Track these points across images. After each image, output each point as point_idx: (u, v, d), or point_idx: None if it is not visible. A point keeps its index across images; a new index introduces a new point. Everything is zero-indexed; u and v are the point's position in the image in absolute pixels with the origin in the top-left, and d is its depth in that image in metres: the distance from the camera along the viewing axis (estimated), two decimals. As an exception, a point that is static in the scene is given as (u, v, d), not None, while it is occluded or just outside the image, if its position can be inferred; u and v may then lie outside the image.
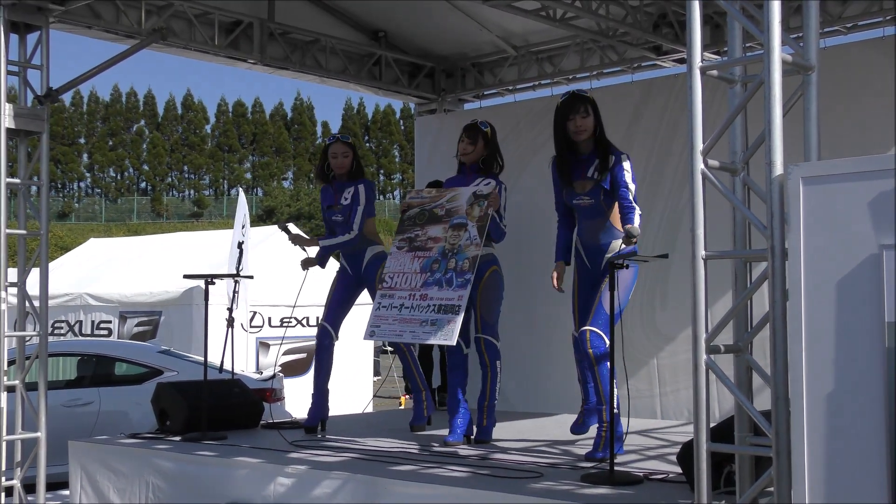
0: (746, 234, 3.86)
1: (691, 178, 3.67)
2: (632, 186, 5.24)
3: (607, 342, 5.14)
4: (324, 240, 6.32)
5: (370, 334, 5.77)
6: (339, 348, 12.91)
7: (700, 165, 3.68)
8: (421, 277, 5.67)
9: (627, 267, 4.97)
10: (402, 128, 58.20)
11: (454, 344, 5.44)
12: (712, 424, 3.67)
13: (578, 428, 5.66)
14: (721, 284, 4.70)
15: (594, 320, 5.22)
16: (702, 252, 3.64)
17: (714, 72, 3.82)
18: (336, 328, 6.24)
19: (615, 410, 4.95)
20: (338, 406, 11.88)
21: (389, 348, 14.24)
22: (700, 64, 3.74)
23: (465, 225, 5.64)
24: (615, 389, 4.97)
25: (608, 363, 5.02)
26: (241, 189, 11.17)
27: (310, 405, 6.28)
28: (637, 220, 5.15)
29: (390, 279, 5.82)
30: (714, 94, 6.82)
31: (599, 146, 5.34)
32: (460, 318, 5.40)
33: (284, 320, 12.54)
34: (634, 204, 5.22)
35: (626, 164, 5.27)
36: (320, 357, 6.20)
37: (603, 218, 5.38)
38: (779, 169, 3.48)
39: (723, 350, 3.71)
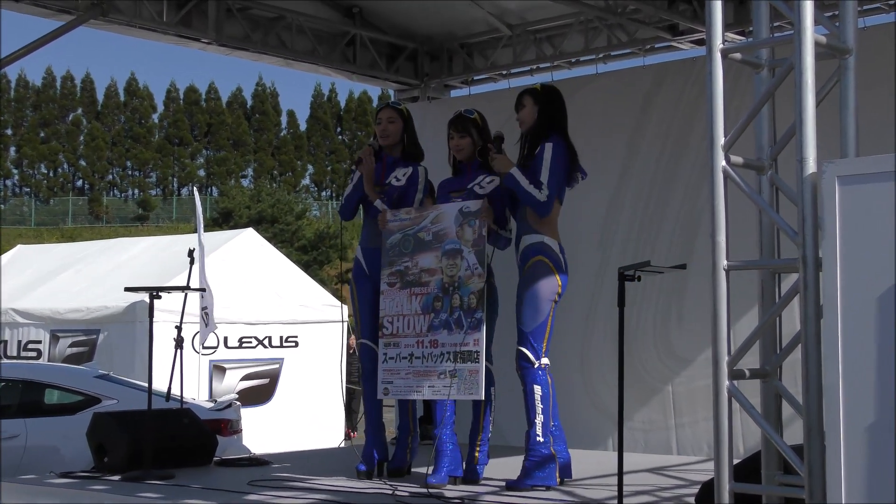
0: (774, 241, 3.87)
1: (711, 177, 3.68)
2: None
3: (535, 362, 5.50)
4: (382, 201, 6.02)
5: (384, 392, 5.79)
6: (305, 372, 12.91)
7: (721, 162, 3.69)
8: (425, 320, 5.69)
9: (639, 279, 4.99)
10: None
11: (482, 398, 5.53)
12: (736, 461, 3.67)
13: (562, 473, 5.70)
14: (745, 299, 4.70)
15: (519, 338, 5.56)
16: (723, 262, 3.65)
17: (737, 55, 3.83)
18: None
19: (540, 438, 5.50)
20: (307, 440, 11.90)
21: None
22: (721, 46, 3.75)
23: (459, 251, 5.64)
24: (541, 415, 5.50)
25: (534, 385, 5.49)
26: (194, 188, 11.13)
27: (364, 444, 6.18)
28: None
29: (390, 324, 5.83)
30: (737, 81, 6.86)
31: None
32: (482, 367, 5.48)
33: (243, 340, 12.50)
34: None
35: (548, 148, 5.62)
36: (368, 383, 6.08)
37: (525, 207, 5.68)
38: (811, 166, 3.49)
39: (748, 375, 3.71)
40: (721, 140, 3.71)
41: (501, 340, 5.82)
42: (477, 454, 5.82)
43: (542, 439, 5.57)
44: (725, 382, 3.62)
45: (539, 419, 5.54)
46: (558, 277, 5.60)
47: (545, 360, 5.58)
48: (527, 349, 5.53)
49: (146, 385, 6.67)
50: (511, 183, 5.59)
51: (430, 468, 5.72)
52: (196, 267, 8.38)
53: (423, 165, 6.18)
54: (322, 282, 27.07)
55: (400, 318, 5.80)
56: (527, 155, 5.70)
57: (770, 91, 3.79)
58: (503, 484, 5.69)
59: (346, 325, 13.55)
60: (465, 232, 5.65)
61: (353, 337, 14.09)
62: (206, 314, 8.98)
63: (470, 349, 5.49)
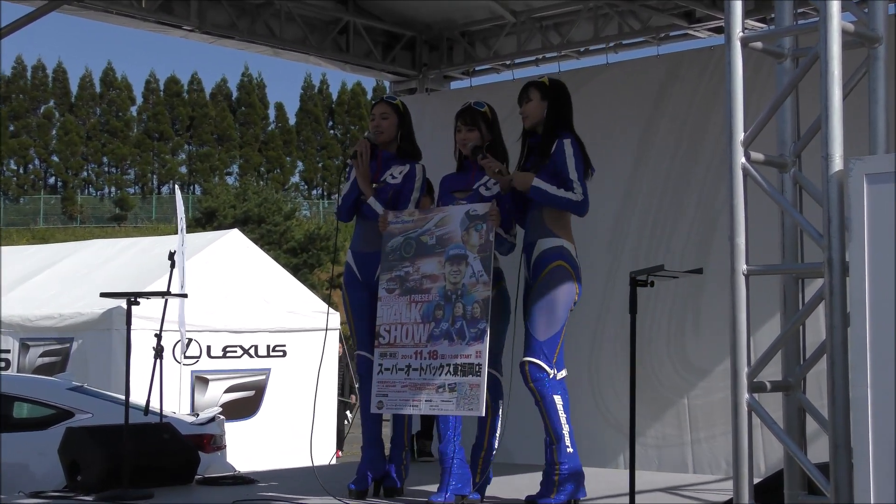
0: (798, 243, 3.87)
1: (730, 175, 3.68)
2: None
3: (550, 372, 5.51)
4: (376, 199, 6.00)
5: (378, 406, 5.77)
6: (294, 384, 12.90)
7: (740, 159, 3.68)
8: (425, 329, 5.67)
9: (652, 284, 4.99)
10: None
11: (483, 415, 5.51)
12: (756, 480, 3.67)
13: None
14: (767, 306, 4.71)
15: (531, 348, 5.56)
16: (742, 266, 3.64)
17: (758, 44, 3.83)
18: None
19: (569, 449, 5.50)
20: (295, 456, 11.88)
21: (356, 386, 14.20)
22: (741, 34, 3.75)
23: (464, 257, 5.63)
24: (567, 425, 5.49)
25: (554, 396, 5.49)
26: (176, 186, 11.11)
27: (359, 461, 6.16)
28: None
29: (387, 333, 5.81)
30: (758, 72, 6.86)
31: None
32: (484, 382, 5.45)
33: (227, 349, 12.50)
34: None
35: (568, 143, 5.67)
36: (365, 397, 6.07)
37: (539, 209, 5.71)
38: (838, 164, 3.49)
39: (769, 387, 3.71)
40: (740, 135, 3.70)
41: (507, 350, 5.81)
42: (479, 473, 5.81)
43: (571, 450, 5.59)
44: (745, 395, 3.61)
45: (566, 429, 5.56)
46: (576, 285, 5.62)
47: (564, 373, 5.58)
48: (540, 360, 5.53)
49: (123, 398, 6.66)
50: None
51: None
52: (177, 271, 8.38)
53: (420, 163, 6.18)
54: (312, 287, 27.09)
55: (398, 326, 5.78)
56: (540, 154, 5.69)
57: (793, 82, 3.79)
58: (517, 501, 5.67)
59: (338, 332, 13.58)
60: (471, 237, 5.63)
61: (340, 345, 14.09)
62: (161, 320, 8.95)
63: (471, 361, 5.48)
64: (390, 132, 6.15)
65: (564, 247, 5.63)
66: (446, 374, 5.55)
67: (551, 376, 5.53)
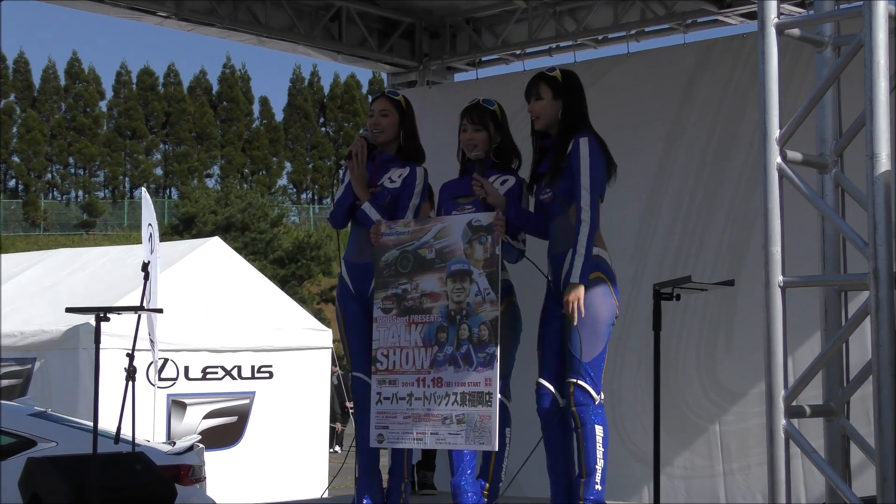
0: (840, 252, 3.88)
1: (764, 177, 3.69)
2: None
3: (596, 398, 5.49)
4: (371, 204, 6.00)
5: (378, 440, 5.76)
6: (281, 408, 12.89)
7: (776, 158, 3.69)
8: (427, 354, 5.63)
9: (678, 298, 4.99)
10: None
11: (496, 449, 5.49)
12: (794, 515, 3.67)
13: None
14: (806, 322, 4.70)
15: (576, 370, 5.53)
16: (778, 277, 3.65)
17: (795, 30, 3.84)
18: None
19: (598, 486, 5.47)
20: (283, 488, 11.87)
21: (350, 406, 14.12)
22: (776, 20, 3.76)
23: (468, 273, 5.59)
24: (602, 459, 5.45)
25: (596, 426, 5.46)
26: (143, 190, 11.07)
27: (354, 493, 6.16)
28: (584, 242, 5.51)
29: (385, 358, 5.76)
30: (796, 62, 6.87)
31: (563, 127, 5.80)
32: (496, 412, 5.42)
33: (207, 371, 12.50)
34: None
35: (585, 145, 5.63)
36: (361, 423, 6.07)
37: (565, 216, 5.67)
38: (884, 164, 3.49)
39: (808, 412, 3.71)
40: (776, 133, 3.71)
41: (515, 370, 5.81)
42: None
43: (600, 487, 5.58)
44: (782, 421, 3.61)
45: (601, 464, 5.55)
46: (616, 297, 5.63)
47: (602, 397, 5.59)
48: (586, 383, 5.51)
49: (90, 424, 6.66)
50: (588, 268, 5.50)
51: None
52: (150, 283, 8.38)
53: (422, 166, 6.17)
54: (302, 301, 27.11)
55: (397, 350, 5.75)
56: (555, 157, 5.69)
57: (835, 74, 3.79)
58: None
59: (330, 352, 13.59)
60: (475, 250, 5.59)
61: (335, 367, 14.08)
62: (152, 340, 8.97)
63: (480, 390, 5.45)
64: (390, 131, 6.12)
65: (601, 256, 5.61)
66: (453, 404, 5.52)
67: (596, 402, 5.54)
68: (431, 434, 5.57)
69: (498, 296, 5.49)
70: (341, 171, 6.23)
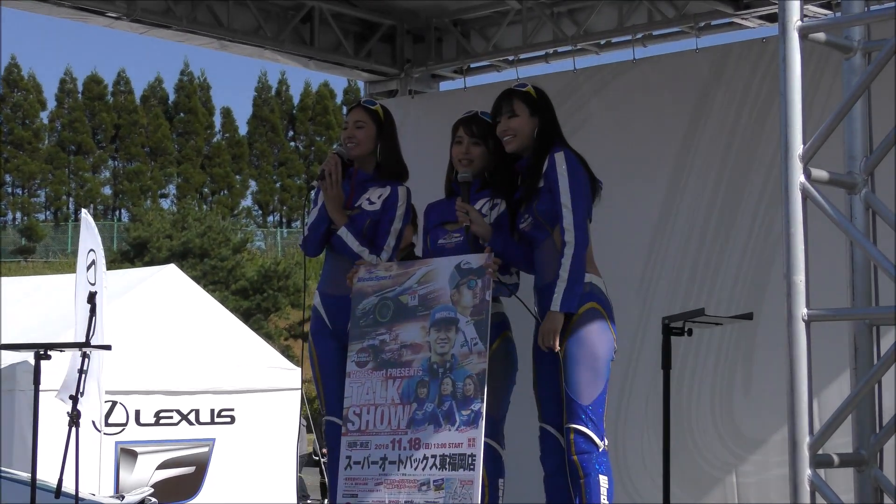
0: (871, 282, 3.89)
1: (785, 198, 3.70)
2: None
3: (600, 444, 5.48)
4: (348, 229, 5.99)
5: None
6: (244, 457, 12.85)
7: (799, 177, 3.71)
8: (404, 412, 5.61)
9: (690, 333, 5.00)
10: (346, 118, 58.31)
11: None
12: (821, 577, 3.67)
13: None
14: (834, 360, 4.71)
15: (576, 414, 5.50)
16: (802, 310, 3.66)
17: (821, 34, 3.86)
18: None
19: None
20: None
21: (322, 456, 14.07)
22: (799, 23, 3.79)
23: (454, 322, 5.57)
24: None
25: (600, 476, 5.43)
26: (85, 212, 10.99)
27: None
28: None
29: (357, 417, 5.74)
30: (822, 70, 6.91)
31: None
32: (479, 477, 5.38)
33: (161, 415, 12.45)
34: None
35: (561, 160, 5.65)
36: (334, 473, 6.04)
37: (549, 241, 5.67)
38: (919, 183, 3.52)
39: (836, 462, 3.71)
40: (799, 149, 3.73)
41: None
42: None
43: None
44: (807, 471, 3.62)
45: None
46: (613, 330, 5.64)
47: (606, 443, 5.59)
48: (588, 428, 5.51)
49: (28, 476, 6.64)
50: (572, 297, 5.52)
51: None
52: (98, 317, 8.37)
53: (405, 185, 6.17)
54: (268, 336, 27.04)
55: (371, 408, 5.71)
56: (531, 177, 5.69)
57: (865, 83, 3.81)
58: None
59: (300, 393, 13.54)
60: (462, 296, 5.56)
61: (303, 407, 14.01)
62: (83, 379, 8.87)
63: (463, 452, 5.42)
64: (366, 145, 6.10)
65: (595, 283, 5.61)
66: (431, 468, 5.48)
67: (600, 450, 5.54)
68: (406, 502, 5.52)
69: (487, 346, 5.45)
70: (313, 193, 6.21)
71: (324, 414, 6.08)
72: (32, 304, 13.60)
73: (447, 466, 5.45)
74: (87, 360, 7.83)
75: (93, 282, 9.93)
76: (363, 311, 5.81)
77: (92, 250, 10.35)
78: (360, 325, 5.81)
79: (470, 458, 5.39)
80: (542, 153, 5.69)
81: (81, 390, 7.75)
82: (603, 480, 5.54)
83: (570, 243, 5.50)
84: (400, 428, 5.60)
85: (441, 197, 6.10)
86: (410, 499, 5.50)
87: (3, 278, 16.61)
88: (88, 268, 10.32)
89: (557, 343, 5.49)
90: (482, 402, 5.40)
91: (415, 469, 5.52)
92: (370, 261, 5.94)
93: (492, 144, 5.88)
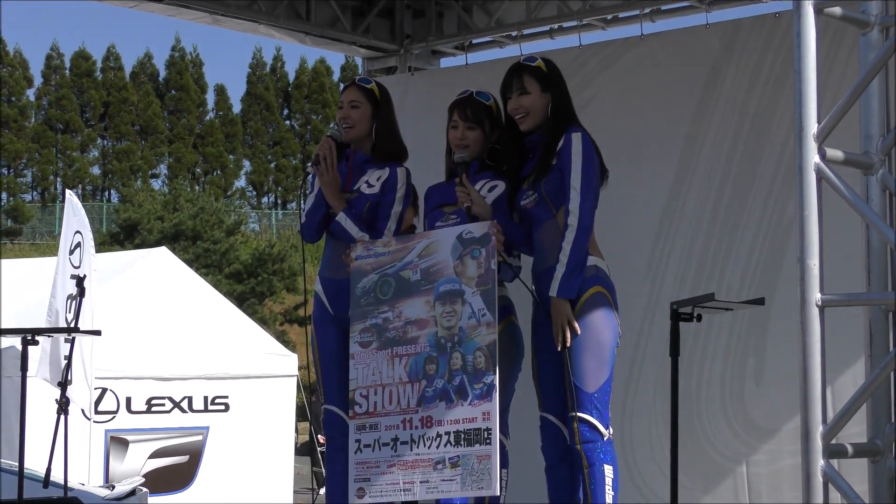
0: (887, 266, 3.89)
1: (799, 179, 3.70)
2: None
3: (605, 433, 5.50)
4: (346, 214, 5.99)
5: (358, 494, 5.71)
6: (239, 446, 12.87)
7: (814, 157, 3.70)
8: (413, 390, 5.61)
9: (699, 319, 5.00)
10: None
11: (498, 493, 5.45)
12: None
13: None
14: (849, 347, 4.71)
15: (581, 402, 5.51)
16: (816, 295, 3.66)
17: (836, 8, 3.85)
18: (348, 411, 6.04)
19: None
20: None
21: (320, 445, 14.06)
22: (814, -3, 3.78)
23: (460, 293, 5.56)
24: None
25: (605, 465, 5.45)
26: (70, 192, 10.97)
27: None
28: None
29: (364, 399, 5.74)
30: (838, 45, 6.89)
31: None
32: (496, 450, 5.39)
33: (153, 402, 12.47)
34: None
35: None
36: (334, 464, 6.06)
37: (552, 223, 5.67)
38: (939, 164, 3.51)
39: (850, 452, 3.71)
40: (813, 128, 3.72)
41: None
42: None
43: None
44: (820, 462, 3.62)
45: None
46: (616, 314, 5.64)
47: (611, 431, 5.59)
48: (593, 417, 5.52)
49: (15, 465, 6.64)
50: (572, 282, 5.52)
51: None
52: (87, 300, 8.37)
53: (404, 167, 6.16)
54: (263, 321, 27.05)
55: (378, 389, 5.72)
56: (543, 156, 5.70)
57: (882, 60, 3.81)
58: None
59: (295, 380, 13.55)
60: (466, 266, 5.56)
61: (314, 397, 14.02)
62: (69, 366, 8.87)
63: (478, 426, 5.43)
64: (362, 126, 6.08)
65: (599, 266, 5.62)
66: (446, 446, 5.49)
67: (605, 439, 5.55)
68: (421, 483, 5.53)
69: (495, 316, 5.46)
70: (309, 178, 6.20)
71: (323, 402, 6.09)
72: (19, 287, 13.60)
73: (462, 443, 5.45)
74: (72, 345, 7.81)
75: (77, 265, 9.92)
76: (363, 290, 5.82)
77: (78, 232, 10.33)
78: (361, 305, 5.82)
79: (486, 433, 5.40)
80: (557, 130, 5.68)
81: (69, 377, 7.74)
82: (608, 470, 5.55)
83: (573, 227, 5.50)
84: (410, 407, 5.61)
85: (441, 177, 6.11)
86: (426, 478, 5.51)
87: (-10, 261, 16.62)
88: (73, 251, 10.31)
89: (569, 332, 5.50)
90: (495, 373, 5.40)
91: (428, 448, 5.53)
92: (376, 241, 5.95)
93: (487, 126, 5.89)
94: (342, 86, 6.40)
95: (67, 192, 11.18)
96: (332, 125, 6.25)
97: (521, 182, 5.78)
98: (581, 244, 5.51)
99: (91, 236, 10.16)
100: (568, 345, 5.46)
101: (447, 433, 5.50)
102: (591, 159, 5.60)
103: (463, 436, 5.46)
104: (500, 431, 5.71)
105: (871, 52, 3.95)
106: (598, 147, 5.67)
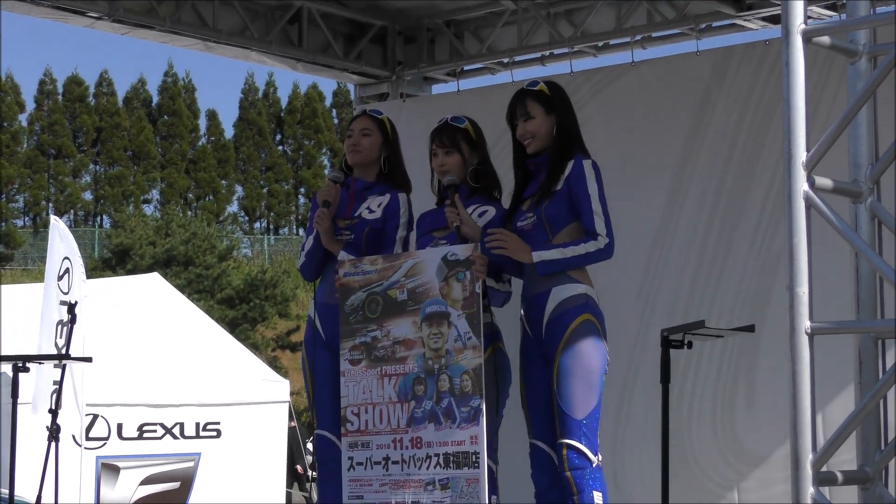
0: (876, 294, 3.89)
1: (788, 207, 3.71)
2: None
3: (593, 460, 5.48)
4: (345, 251, 6.05)
5: None
6: (231, 472, 12.84)
7: (802, 185, 3.71)
8: (403, 410, 5.66)
9: (690, 346, 5.02)
10: (336, 122, 58.32)
11: None
12: None
13: None
14: (838, 374, 4.72)
15: (570, 429, 5.51)
16: (805, 323, 3.66)
17: (825, 38, 3.87)
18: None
19: None
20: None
21: (311, 471, 14.03)
22: (802, 25, 3.79)
23: (445, 315, 5.60)
24: None
25: (594, 492, 5.42)
26: (55, 218, 10.95)
27: None
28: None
29: (356, 417, 5.79)
30: (827, 73, 6.91)
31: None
32: (485, 473, 5.44)
33: (144, 429, 12.44)
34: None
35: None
36: (325, 489, 6.07)
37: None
38: (926, 192, 3.53)
39: (840, 479, 3.72)
40: (802, 156, 3.74)
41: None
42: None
43: None
44: (810, 490, 3.62)
45: None
46: (605, 343, 5.65)
47: (600, 458, 5.58)
48: (582, 443, 5.52)
49: (6, 493, 6.63)
50: (552, 268, 5.57)
51: None
52: (79, 327, 8.35)
53: (404, 193, 6.19)
54: (255, 347, 26.99)
55: (369, 408, 5.76)
56: (549, 179, 5.71)
57: (870, 88, 3.82)
58: None
59: (287, 406, 13.53)
60: (452, 288, 5.60)
61: (293, 422, 14.00)
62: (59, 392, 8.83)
63: (466, 449, 5.47)
64: (371, 153, 6.16)
65: (588, 294, 5.63)
66: (435, 467, 5.54)
67: (594, 465, 5.55)
68: (412, 502, 5.58)
69: (481, 340, 5.50)
70: (310, 214, 6.24)
71: (315, 427, 6.10)
72: (11, 314, 13.56)
73: (451, 465, 5.51)
74: (64, 371, 7.81)
75: (66, 291, 9.90)
76: (352, 308, 5.86)
77: (66, 258, 10.30)
78: (349, 322, 5.86)
79: (474, 456, 5.46)
80: (562, 154, 5.71)
81: (59, 403, 7.73)
82: (597, 497, 5.54)
83: (604, 238, 5.55)
84: (400, 427, 5.66)
85: (433, 204, 6.13)
86: (417, 499, 5.57)
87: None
88: (61, 277, 10.28)
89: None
90: (481, 397, 5.45)
91: (419, 468, 5.58)
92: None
93: (466, 148, 5.92)
94: (335, 112, 6.39)
95: (53, 217, 11.16)
96: (328, 171, 6.22)
97: (521, 202, 5.80)
98: (591, 257, 5.57)
99: (81, 262, 10.14)
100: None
101: (437, 455, 5.54)
102: (602, 187, 5.63)
103: (452, 458, 5.50)
104: (489, 457, 5.72)
105: (860, 80, 3.97)
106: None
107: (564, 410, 5.54)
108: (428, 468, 5.56)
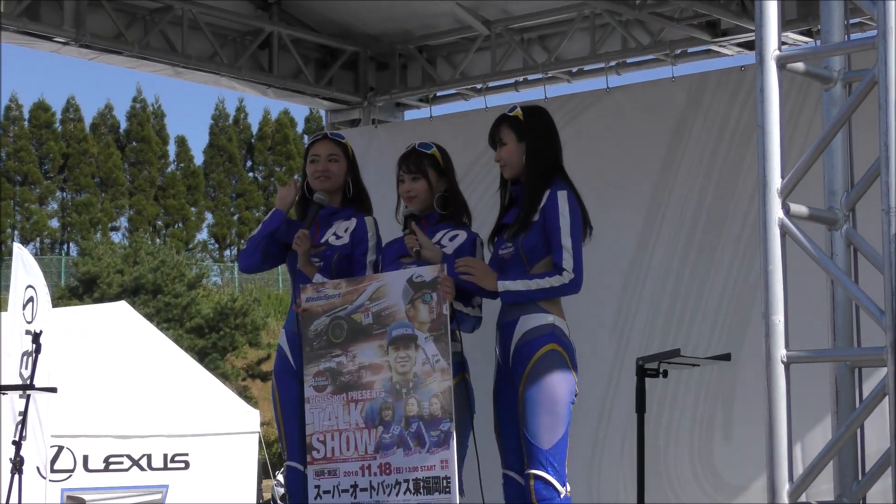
0: (853, 322, 3.90)
1: (763, 234, 3.72)
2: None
3: (561, 490, 5.50)
4: (320, 273, 6.05)
5: None
6: (199, 502, 12.76)
7: (777, 213, 3.73)
8: (371, 436, 5.65)
9: (665, 375, 5.02)
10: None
11: None
12: None
13: None
14: (815, 403, 4.72)
15: (536, 459, 5.52)
16: (781, 351, 3.67)
17: (799, 64, 3.89)
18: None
19: None
20: None
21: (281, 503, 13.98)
22: (777, 52, 3.81)
23: (412, 339, 5.60)
24: None
25: None
26: (17, 245, 10.90)
27: None
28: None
29: (321, 444, 5.77)
30: (803, 100, 6.95)
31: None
32: (456, 499, 5.43)
33: (111, 460, 12.38)
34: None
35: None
36: None
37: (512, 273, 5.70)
38: (902, 219, 3.53)
39: (818, 510, 3.71)
40: (777, 183, 3.75)
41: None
42: None
43: None
44: (787, 520, 3.63)
45: None
46: (574, 373, 5.64)
47: (569, 488, 5.59)
48: (549, 473, 5.52)
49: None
50: (515, 298, 5.60)
51: None
52: (44, 356, 8.31)
53: (371, 216, 6.20)
54: (224, 377, 26.91)
55: (335, 434, 5.74)
56: (526, 209, 5.71)
57: (845, 115, 3.84)
58: None
59: (257, 437, 13.49)
60: (418, 311, 5.60)
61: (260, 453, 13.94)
62: (23, 423, 8.78)
63: (437, 474, 5.46)
64: (339, 179, 6.17)
65: (556, 325, 5.63)
66: (405, 493, 5.53)
67: (562, 496, 5.55)
68: None
69: (449, 363, 5.50)
70: (269, 216, 6.26)
71: (285, 459, 6.08)
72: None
73: (422, 490, 5.50)
74: (28, 402, 7.77)
75: (30, 320, 9.85)
76: (315, 333, 5.85)
77: (30, 286, 10.25)
78: (313, 347, 5.85)
79: (445, 481, 5.45)
80: (536, 183, 5.72)
81: (24, 434, 7.69)
82: None
83: (569, 274, 5.53)
84: (368, 453, 5.64)
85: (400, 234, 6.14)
86: None
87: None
88: (25, 305, 10.24)
89: (413, 250, 5.72)
90: (451, 421, 5.45)
91: (388, 495, 5.57)
92: None
93: (433, 175, 5.94)
94: (307, 138, 6.38)
95: (16, 246, 11.12)
96: (316, 194, 6.15)
97: (503, 229, 5.82)
98: (556, 291, 5.57)
99: (46, 290, 10.09)
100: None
101: (406, 481, 5.53)
102: (577, 220, 5.62)
103: (422, 484, 5.50)
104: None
105: (835, 107, 3.99)
106: (583, 203, 5.71)
107: (530, 440, 5.55)
108: (398, 494, 5.54)
